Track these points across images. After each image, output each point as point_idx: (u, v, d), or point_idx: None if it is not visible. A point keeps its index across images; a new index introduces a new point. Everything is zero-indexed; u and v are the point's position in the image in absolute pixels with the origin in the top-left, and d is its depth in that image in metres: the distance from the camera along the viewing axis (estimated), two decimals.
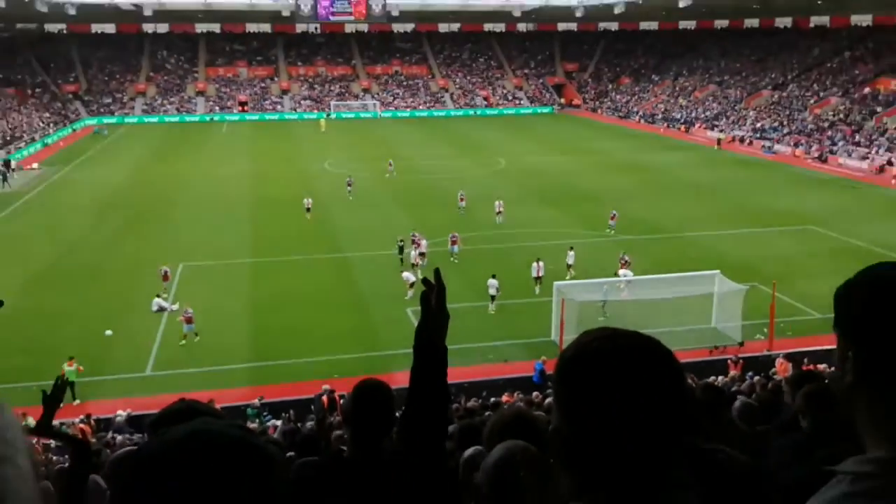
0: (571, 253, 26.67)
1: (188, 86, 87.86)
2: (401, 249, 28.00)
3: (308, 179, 44.94)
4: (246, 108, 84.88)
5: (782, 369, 17.14)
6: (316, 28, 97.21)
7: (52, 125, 70.95)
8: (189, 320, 21.74)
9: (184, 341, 21.68)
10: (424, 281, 2.41)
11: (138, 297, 24.89)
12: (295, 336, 21.88)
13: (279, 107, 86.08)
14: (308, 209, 34.55)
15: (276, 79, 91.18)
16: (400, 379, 14.77)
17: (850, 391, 1.33)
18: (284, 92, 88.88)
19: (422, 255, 27.52)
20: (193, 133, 68.90)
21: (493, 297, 23.92)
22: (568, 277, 25.23)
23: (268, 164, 51.34)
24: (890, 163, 48.61)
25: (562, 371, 1.22)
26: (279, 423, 15.28)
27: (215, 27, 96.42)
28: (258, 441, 1.13)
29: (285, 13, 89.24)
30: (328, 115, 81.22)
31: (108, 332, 21.81)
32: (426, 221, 33.42)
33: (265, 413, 17.21)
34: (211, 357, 20.74)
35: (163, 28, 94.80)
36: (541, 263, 25.32)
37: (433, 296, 2.34)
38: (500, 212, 33.81)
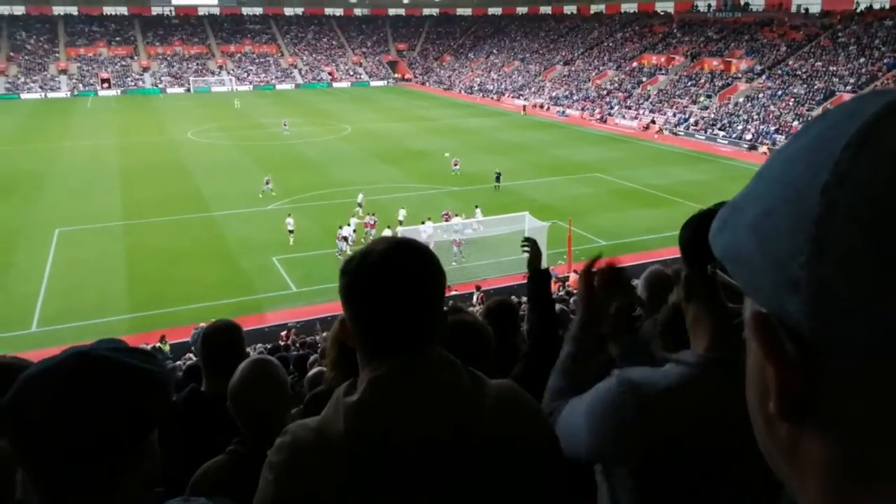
0: (403, 211, 25.58)
1: (50, 65, 79.06)
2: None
3: (173, 148, 42.08)
4: (109, 85, 77.71)
5: (573, 282, 18.33)
6: (171, 10, 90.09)
7: None
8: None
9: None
10: (527, 239, 2.95)
11: (17, 264, 22.56)
12: (170, 288, 20.65)
13: (140, 83, 79.48)
14: (291, 231, 24.69)
15: (136, 57, 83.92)
16: (270, 318, 14.39)
17: (681, 304, 1.46)
18: (145, 69, 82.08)
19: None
20: (59, 109, 62.29)
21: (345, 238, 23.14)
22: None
23: (134, 135, 47.39)
24: (653, 121, 52.05)
25: (351, 267, 1.26)
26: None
27: (73, 10, 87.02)
28: (137, 362, 1.13)
29: None
30: (234, 91, 75.87)
31: None
32: (285, 182, 32.38)
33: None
34: (95, 311, 19.25)
35: (19, 10, 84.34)
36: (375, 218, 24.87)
37: (531, 245, 2.85)
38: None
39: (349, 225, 24.20)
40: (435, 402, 1.19)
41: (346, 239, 23.03)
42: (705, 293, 1.36)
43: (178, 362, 12.89)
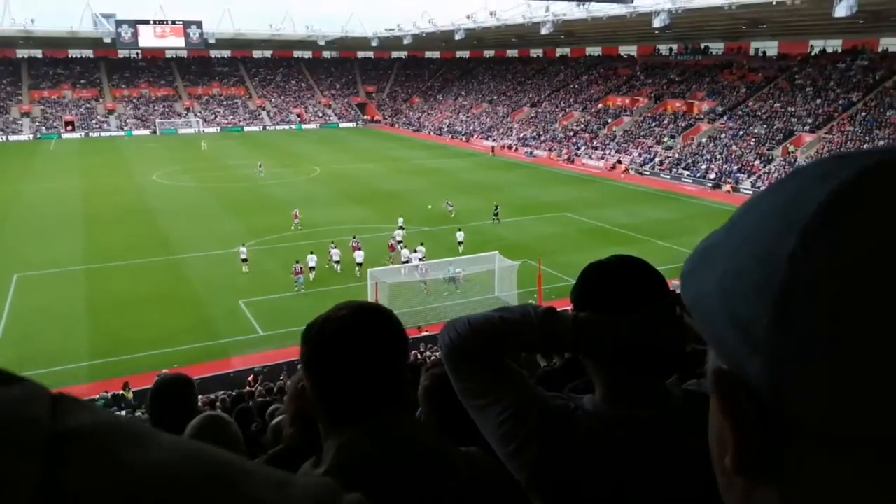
0: (360, 253, 25.62)
1: (12, 108, 78.18)
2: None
3: (139, 191, 41.67)
4: (73, 128, 76.98)
5: None
6: (137, 53, 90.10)
7: None
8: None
9: None
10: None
11: None
12: (134, 333, 20.21)
13: (105, 125, 78.91)
14: (244, 259, 25.73)
15: (101, 100, 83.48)
16: (236, 363, 14.13)
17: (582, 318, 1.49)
18: (110, 112, 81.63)
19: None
20: (20, 152, 61.39)
21: (311, 268, 24.45)
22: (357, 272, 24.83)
23: (98, 177, 46.83)
24: (619, 161, 53.06)
25: (311, 335, 1.27)
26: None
27: (37, 53, 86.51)
28: None
29: (107, 40, 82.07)
30: (202, 133, 75.60)
31: None
32: (253, 225, 32.22)
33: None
34: (54, 358, 18.70)
35: None
36: (337, 250, 25.74)
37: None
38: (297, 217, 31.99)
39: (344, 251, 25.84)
40: (408, 465, 1.18)
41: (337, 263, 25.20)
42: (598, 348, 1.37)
43: (140, 412, 12.57)
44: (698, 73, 63.70)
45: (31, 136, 73.36)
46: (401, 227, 29.04)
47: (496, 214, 33.22)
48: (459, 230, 28.90)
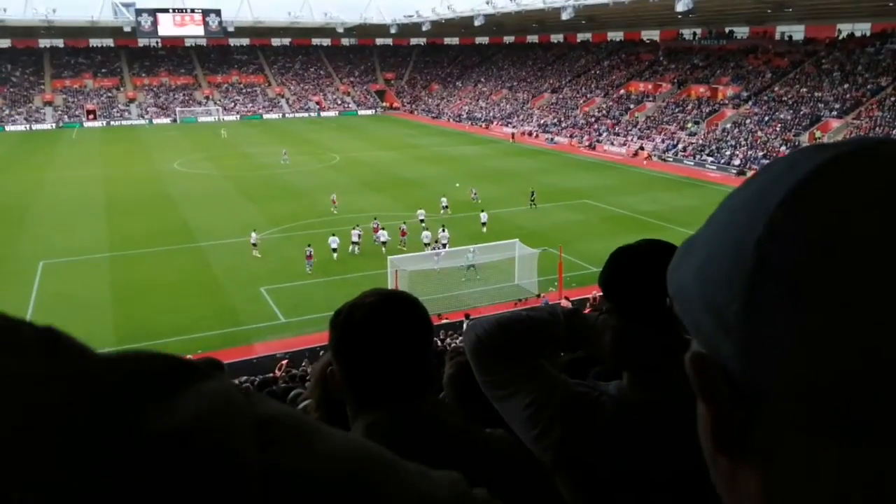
0: (384, 232, 26.61)
1: (35, 97, 79.23)
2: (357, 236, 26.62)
3: (160, 179, 42.11)
4: (94, 116, 77.86)
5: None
6: (157, 42, 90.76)
7: None
8: None
9: None
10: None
11: (4, 292, 22.36)
12: (158, 320, 20.52)
13: (126, 114, 79.72)
14: (255, 244, 26.54)
15: (122, 89, 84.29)
16: (258, 349, 14.32)
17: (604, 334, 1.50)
18: (131, 101, 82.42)
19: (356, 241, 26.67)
20: (43, 141, 62.27)
21: (334, 250, 25.32)
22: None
23: (120, 165, 47.41)
24: (641, 148, 52.63)
25: (338, 322, 1.31)
26: None
27: (59, 42, 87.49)
28: None
29: (127, 29, 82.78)
30: (221, 121, 76.56)
31: None
32: (274, 212, 32.45)
33: None
34: None
35: (5, 43, 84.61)
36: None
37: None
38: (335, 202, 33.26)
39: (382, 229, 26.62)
40: (436, 443, 1.21)
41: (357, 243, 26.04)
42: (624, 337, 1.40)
43: None
44: (722, 57, 62.81)
45: (54, 125, 74.32)
46: (422, 218, 29.57)
47: (533, 200, 33.78)
48: (482, 211, 29.24)
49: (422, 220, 28.50)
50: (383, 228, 26.60)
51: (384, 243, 25.83)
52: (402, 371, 1.26)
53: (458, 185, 36.89)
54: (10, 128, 72.15)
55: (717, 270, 0.43)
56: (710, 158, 47.49)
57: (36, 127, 73.38)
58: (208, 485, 0.33)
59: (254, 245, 26.23)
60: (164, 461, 0.33)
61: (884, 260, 0.37)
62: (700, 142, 50.49)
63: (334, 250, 25.21)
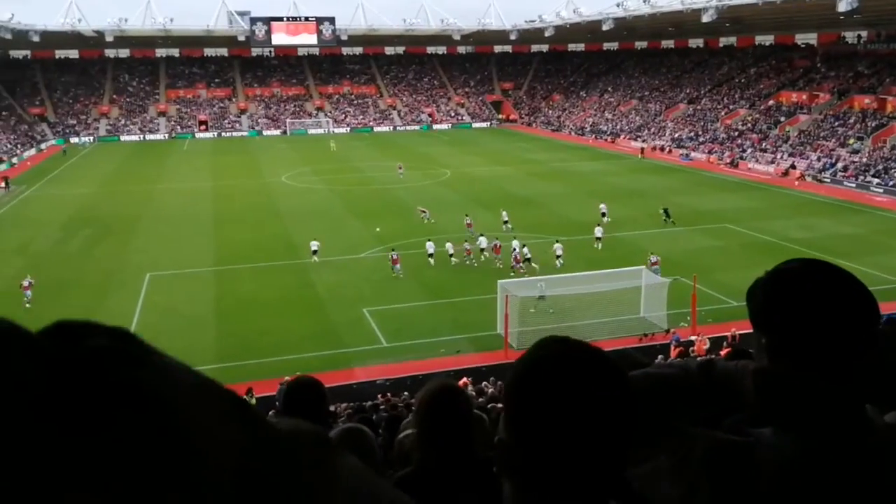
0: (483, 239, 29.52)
1: (150, 107, 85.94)
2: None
3: (268, 192, 44.36)
4: (206, 127, 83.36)
5: (699, 347, 17.64)
6: (270, 51, 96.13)
7: (18, 146, 68.40)
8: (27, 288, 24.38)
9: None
10: None
11: (108, 308, 24.18)
12: (258, 338, 21.50)
13: (238, 125, 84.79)
14: (315, 251, 29.17)
15: (233, 99, 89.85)
16: (359, 374, 14.64)
17: (763, 373, 1.34)
18: (242, 111, 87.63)
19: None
20: (156, 151, 67.29)
21: (430, 255, 28.23)
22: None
23: (229, 178, 50.45)
24: (793, 167, 50.16)
25: (514, 384, 1.05)
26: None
27: (174, 52, 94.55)
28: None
29: (241, 38, 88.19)
30: (331, 133, 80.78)
31: None
32: (381, 228, 33.34)
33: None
34: (182, 359, 20.19)
35: (124, 53, 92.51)
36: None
37: None
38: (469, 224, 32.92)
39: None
40: None
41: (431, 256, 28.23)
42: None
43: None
44: (892, 63, 58.92)
45: (167, 136, 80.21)
46: (505, 222, 33.32)
47: (668, 216, 34.21)
48: (557, 241, 28.42)
49: (505, 221, 33.29)
50: (482, 235, 29.70)
51: (483, 250, 28.77)
52: (600, 455, 0.99)
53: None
54: (125, 137, 78.59)
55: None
56: (876, 180, 44.57)
57: (150, 137, 79.47)
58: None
59: (314, 252, 28.84)
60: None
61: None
62: (864, 161, 47.53)
63: (430, 255, 27.99)
